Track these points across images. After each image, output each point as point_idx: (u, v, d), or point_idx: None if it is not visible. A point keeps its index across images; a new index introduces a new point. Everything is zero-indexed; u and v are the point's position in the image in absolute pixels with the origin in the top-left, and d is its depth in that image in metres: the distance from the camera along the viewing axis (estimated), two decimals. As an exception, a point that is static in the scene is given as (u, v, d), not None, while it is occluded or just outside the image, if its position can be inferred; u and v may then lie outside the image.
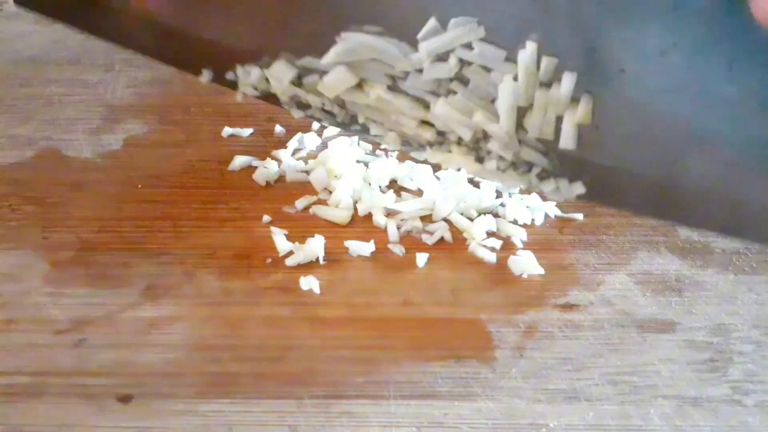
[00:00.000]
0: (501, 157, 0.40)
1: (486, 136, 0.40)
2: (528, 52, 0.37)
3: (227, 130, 0.53)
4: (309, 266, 0.44)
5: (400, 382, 0.39)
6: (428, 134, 0.41)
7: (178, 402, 0.38)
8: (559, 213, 0.47)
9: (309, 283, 0.43)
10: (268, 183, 0.49)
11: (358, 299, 0.43)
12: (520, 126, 0.39)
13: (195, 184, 0.49)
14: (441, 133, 0.41)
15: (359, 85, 0.41)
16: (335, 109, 0.42)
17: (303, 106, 0.43)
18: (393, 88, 0.40)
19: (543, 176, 0.40)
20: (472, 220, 0.46)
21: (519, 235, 0.46)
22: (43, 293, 0.43)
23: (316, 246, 0.44)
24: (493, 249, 0.45)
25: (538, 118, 0.38)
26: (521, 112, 0.38)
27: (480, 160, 0.41)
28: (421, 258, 0.44)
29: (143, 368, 0.39)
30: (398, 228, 0.46)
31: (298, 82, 0.42)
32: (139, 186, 0.49)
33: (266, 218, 0.47)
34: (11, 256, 0.45)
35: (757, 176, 0.36)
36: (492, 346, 0.40)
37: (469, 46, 0.38)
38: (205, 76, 0.44)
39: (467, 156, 0.41)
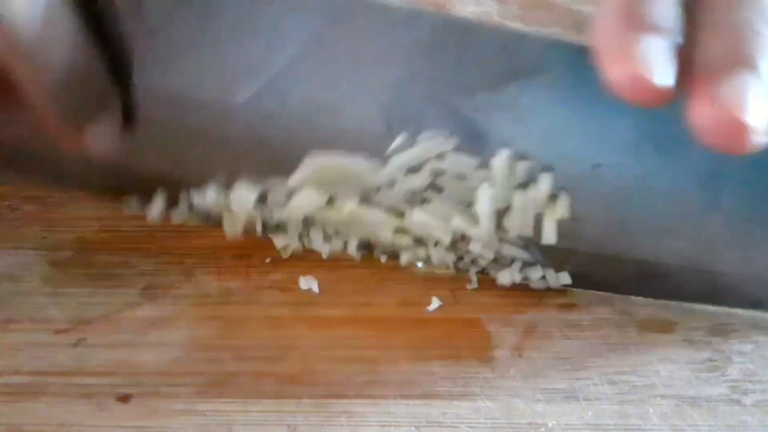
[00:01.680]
0: (481, 256, 0.41)
1: (465, 238, 0.40)
2: (502, 158, 0.38)
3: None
4: (308, 266, 0.44)
5: (399, 382, 0.39)
6: (405, 240, 0.41)
7: (178, 401, 0.38)
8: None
9: (308, 282, 0.43)
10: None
11: (357, 299, 0.43)
12: (499, 226, 0.39)
13: (194, 184, 0.49)
14: (418, 239, 0.41)
15: (329, 202, 0.41)
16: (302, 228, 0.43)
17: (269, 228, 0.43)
18: (365, 200, 0.41)
19: (527, 266, 0.41)
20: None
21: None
22: (43, 293, 0.43)
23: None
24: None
25: (518, 219, 0.38)
26: (500, 213, 0.39)
27: (460, 259, 0.41)
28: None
29: (142, 368, 0.39)
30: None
31: (261, 203, 0.42)
32: (139, 186, 0.49)
33: (265, 218, 0.47)
34: (10, 255, 0.45)
35: (731, 249, 0.39)
36: (491, 346, 0.40)
37: (441, 157, 0.39)
38: (156, 207, 0.44)
39: (447, 256, 0.42)
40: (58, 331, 0.41)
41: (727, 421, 0.37)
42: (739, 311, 0.42)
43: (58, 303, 0.42)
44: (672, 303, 0.42)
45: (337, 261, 0.45)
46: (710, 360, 0.40)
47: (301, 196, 0.41)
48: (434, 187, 0.39)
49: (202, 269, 0.44)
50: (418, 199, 0.40)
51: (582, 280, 0.42)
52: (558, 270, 0.41)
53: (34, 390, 0.38)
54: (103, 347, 0.40)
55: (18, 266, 0.44)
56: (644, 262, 0.40)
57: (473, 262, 0.42)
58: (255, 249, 0.45)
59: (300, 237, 0.43)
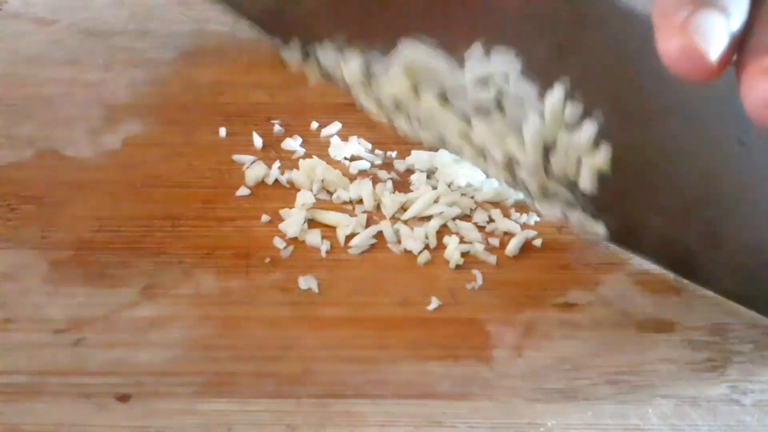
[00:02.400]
0: (529, 183, 0.41)
1: (517, 164, 0.40)
2: (555, 95, 0.38)
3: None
4: (308, 266, 0.44)
5: (398, 382, 0.39)
6: (467, 149, 0.42)
7: (177, 401, 0.38)
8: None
9: (308, 282, 0.43)
10: (263, 182, 0.49)
11: (357, 299, 0.43)
12: (547, 160, 0.39)
13: (194, 184, 0.49)
14: (480, 152, 0.42)
15: (413, 91, 0.43)
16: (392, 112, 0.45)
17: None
18: (443, 98, 0.42)
19: (570, 206, 0.41)
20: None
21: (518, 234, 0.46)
22: (42, 292, 0.43)
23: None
24: (492, 250, 0.45)
25: (560, 159, 0.39)
26: (547, 148, 0.39)
27: (514, 180, 0.41)
28: (421, 258, 0.45)
29: (142, 367, 0.39)
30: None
31: (366, 72, 0.44)
32: (138, 185, 0.49)
33: (265, 218, 0.47)
34: (10, 255, 0.45)
35: None
36: (490, 346, 0.40)
37: (506, 77, 0.39)
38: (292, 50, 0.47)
39: (501, 173, 0.42)
40: (57, 331, 0.41)
41: (727, 421, 0.37)
42: (740, 309, 0.42)
43: (58, 303, 0.42)
44: (673, 301, 0.42)
45: (337, 261, 0.45)
46: (710, 360, 0.40)
47: (391, 77, 0.42)
48: (499, 105, 0.40)
49: (201, 269, 0.44)
50: (484, 111, 0.40)
51: (616, 236, 0.41)
52: (598, 218, 0.41)
53: (33, 390, 0.38)
54: (103, 347, 0.40)
55: (18, 266, 0.44)
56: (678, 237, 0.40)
57: (523, 186, 0.42)
58: (255, 249, 0.45)
59: (388, 118, 0.45)
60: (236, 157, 0.50)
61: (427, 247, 0.45)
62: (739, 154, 0.38)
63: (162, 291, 0.43)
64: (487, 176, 0.45)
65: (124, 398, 0.38)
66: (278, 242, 0.45)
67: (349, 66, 0.44)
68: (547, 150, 0.39)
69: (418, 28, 0.42)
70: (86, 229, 0.46)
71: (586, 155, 0.38)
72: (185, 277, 0.43)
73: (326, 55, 0.45)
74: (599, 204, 0.40)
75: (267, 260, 0.44)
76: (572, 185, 0.40)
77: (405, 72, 0.42)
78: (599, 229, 0.41)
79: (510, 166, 0.41)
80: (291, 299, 0.42)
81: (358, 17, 0.44)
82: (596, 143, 0.38)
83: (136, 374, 0.39)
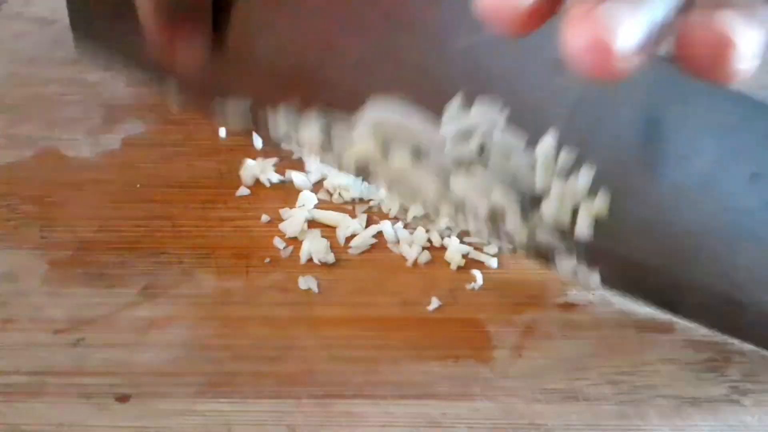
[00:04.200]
0: (516, 234, 0.40)
1: (502, 216, 0.40)
2: (546, 143, 0.37)
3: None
4: (308, 266, 0.44)
5: (398, 382, 0.39)
6: (446, 207, 0.41)
7: (177, 401, 0.38)
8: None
9: (307, 282, 0.43)
10: (263, 182, 0.49)
11: (356, 299, 0.43)
12: (536, 209, 0.39)
13: (194, 184, 0.49)
14: (459, 208, 0.41)
15: (383, 154, 0.40)
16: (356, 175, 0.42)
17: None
18: (417, 158, 0.40)
19: (561, 255, 0.40)
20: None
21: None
22: (42, 293, 0.43)
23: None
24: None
25: (554, 207, 0.38)
26: (538, 198, 0.39)
27: (497, 237, 0.41)
28: (421, 258, 0.44)
29: (141, 368, 0.39)
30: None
31: (326, 133, 0.41)
32: (138, 186, 0.49)
33: (265, 218, 0.47)
34: (9, 255, 0.45)
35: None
36: (490, 346, 0.40)
37: (490, 129, 0.38)
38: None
39: (483, 227, 0.41)
40: (57, 331, 0.41)
41: (728, 421, 0.37)
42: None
43: (58, 303, 0.42)
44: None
45: (337, 261, 0.45)
46: (710, 360, 0.40)
47: (358, 143, 0.40)
48: (481, 158, 0.39)
49: (201, 269, 0.44)
50: (465, 166, 0.39)
51: (612, 282, 0.40)
52: (591, 267, 0.41)
53: (33, 390, 0.38)
54: (102, 347, 0.40)
55: (18, 266, 0.44)
56: (676, 279, 0.39)
57: (508, 239, 0.41)
58: (255, 249, 0.45)
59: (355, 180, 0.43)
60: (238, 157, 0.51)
61: (427, 247, 0.45)
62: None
63: (162, 291, 0.43)
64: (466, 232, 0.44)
65: (123, 398, 0.38)
66: (278, 242, 0.45)
67: (306, 131, 0.40)
68: (537, 199, 0.39)
69: (388, 86, 0.39)
70: (86, 229, 0.46)
71: (583, 202, 0.38)
72: (185, 277, 0.43)
73: (279, 119, 0.41)
74: (593, 250, 0.39)
75: (267, 260, 0.44)
76: (564, 234, 0.40)
77: (373, 132, 0.39)
78: (594, 279, 0.40)
79: (494, 218, 0.40)
80: (291, 299, 0.42)
81: (317, 78, 0.40)
82: (593, 189, 0.37)
83: (136, 374, 0.39)
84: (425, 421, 0.37)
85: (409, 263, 0.44)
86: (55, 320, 0.41)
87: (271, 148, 0.44)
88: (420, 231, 0.46)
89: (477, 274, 0.44)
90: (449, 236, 0.46)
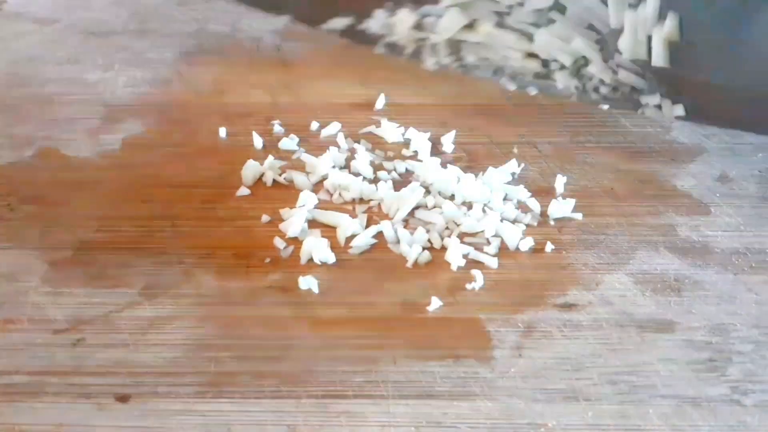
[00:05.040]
0: (602, 81, 0.41)
1: (586, 62, 0.40)
2: None
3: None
4: (308, 266, 0.44)
5: (398, 382, 0.39)
6: (533, 65, 0.42)
7: (177, 401, 0.38)
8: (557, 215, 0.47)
9: (308, 282, 0.43)
10: (263, 182, 0.49)
11: (356, 299, 0.43)
12: (615, 49, 0.39)
13: (194, 184, 0.49)
14: (545, 64, 0.42)
15: (470, 25, 0.44)
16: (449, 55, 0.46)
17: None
18: (500, 24, 0.43)
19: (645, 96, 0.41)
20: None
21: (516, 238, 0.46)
22: (42, 293, 0.43)
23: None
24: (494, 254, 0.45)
25: (629, 39, 0.38)
26: (616, 35, 0.39)
27: (583, 86, 0.41)
28: (421, 258, 0.44)
29: (141, 368, 0.39)
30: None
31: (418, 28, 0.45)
32: (138, 186, 0.49)
33: (265, 218, 0.47)
34: (10, 255, 0.45)
35: None
36: (491, 346, 0.40)
37: None
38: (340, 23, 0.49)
39: (571, 81, 0.42)
40: (57, 331, 0.41)
41: (728, 421, 0.37)
42: (741, 309, 0.42)
43: (58, 303, 0.42)
44: (673, 301, 0.42)
45: (337, 261, 0.45)
46: (710, 360, 0.40)
47: (448, 17, 0.44)
48: (558, 7, 0.40)
49: (201, 269, 0.44)
50: (543, 19, 0.40)
51: (696, 111, 0.41)
52: (674, 99, 0.41)
53: (33, 390, 0.38)
54: (103, 347, 0.40)
55: (17, 266, 0.44)
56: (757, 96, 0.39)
57: (595, 90, 0.42)
58: (255, 249, 0.45)
59: (447, 55, 0.46)
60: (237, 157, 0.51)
61: (427, 247, 0.45)
62: None
63: (162, 291, 0.43)
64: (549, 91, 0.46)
65: (124, 398, 0.38)
66: (278, 242, 0.45)
67: (401, 23, 0.45)
68: (615, 37, 0.39)
69: None
70: (86, 229, 0.46)
71: (655, 28, 0.38)
72: (185, 277, 0.43)
73: (375, 19, 0.47)
74: (674, 80, 0.40)
75: (267, 260, 0.44)
76: (644, 69, 0.39)
77: (462, 9, 0.43)
78: (678, 110, 0.41)
79: (578, 68, 0.41)
80: (291, 299, 0.42)
81: None
82: (662, 14, 0.38)
83: (136, 374, 0.39)
84: (425, 421, 0.37)
85: (409, 263, 0.44)
86: (56, 320, 0.41)
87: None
88: (420, 231, 0.46)
89: (477, 274, 0.44)
90: (449, 236, 0.46)
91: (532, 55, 0.43)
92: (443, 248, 0.45)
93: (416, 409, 0.37)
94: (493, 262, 0.44)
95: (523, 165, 0.50)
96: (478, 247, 0.45)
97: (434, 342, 0.40)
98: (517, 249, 0.45)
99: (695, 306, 0.42)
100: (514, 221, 0.47)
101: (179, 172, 0.50)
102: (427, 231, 0.46)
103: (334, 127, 0.53)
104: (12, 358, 0.39)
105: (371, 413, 0.37)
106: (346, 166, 0.50)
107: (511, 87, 0.47)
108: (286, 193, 0.49)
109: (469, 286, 0.43)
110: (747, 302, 0.43)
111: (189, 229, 0.46)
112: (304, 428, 0.37)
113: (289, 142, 0.52)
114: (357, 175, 0.50)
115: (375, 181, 0.49)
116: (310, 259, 0.44)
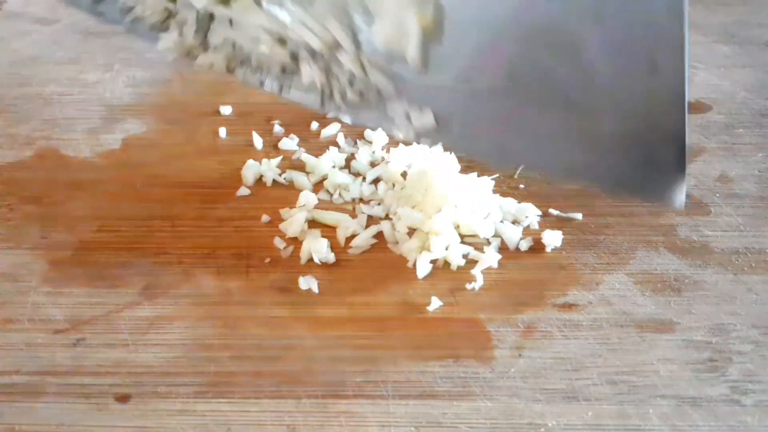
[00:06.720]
0: (350, 82, 0.39)
1: (336, 60, 0.39)
2: None
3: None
4: (308, 266, 0.44)
5: (398, 382, 0.39)
6: (282, 53, 0.40)
7: (176, 401, 0.38)
8: (559, 213, 0.47)
9: (308, 282, 0.43)
10: (263, 182, 0.49)
11: (356, 299, 0.43)
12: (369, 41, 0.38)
13: (194, 184, 0.49)
14: (294, 58, 0.40)
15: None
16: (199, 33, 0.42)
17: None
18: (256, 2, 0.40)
19: (391, 102, 0.39)
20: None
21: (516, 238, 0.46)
22: (42, 293, 0.43)
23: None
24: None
25: (386, 26, 0.37)
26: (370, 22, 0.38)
27: (330, 89, 0.40)
28: (421, 258, 0.44)
29: (141, 368, 0.39)
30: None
31: None
32: (138, 186, 0.49)
33: (265, 218, 0.47)
34: (10, 255, 0.45)
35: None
36: (491, 346, 0.40)
37: None
38: None
39: (318, 76, 0.40)
40: (57, 331, 0.41)
41: (727, 421, 0.37)
42: (741, 309, 0.42)
43: (58, 303, 0.42)
44: (673, 301, 0.42)
45: (337, 261, 0.45)
46: (710, 360, 0.40)
47: None
48: None
49: (201, 269, 0.44)
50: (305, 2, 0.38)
51: (444, 125, 0.39)
52: (423, 107, 0.39)
53: (33, 390, 0.38)
54: (102, 347, 0.40)
55: (17, 266, 0.44)
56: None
57: (340, 93, 0.40)
58: (255, 249, 0.45)
59: (196, 37, 0.43)
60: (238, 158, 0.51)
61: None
62: None
63: (162, 291, 0.43)
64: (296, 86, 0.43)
65: (123, 398, 0.38)
66: (278, 242, 0.45)
67: None
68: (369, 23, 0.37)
69: None
70: (86, 229, 0.46)
71: (413, 11, 0.36)
72: (185, 277, 0.43)
73: None
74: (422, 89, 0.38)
75: (267, 260, 0.44)
76: (391, 75, 0.38)
77: None
78: (427, 118, 0.39)
79: (330, 56, 0.39)
80: (291, 299, 0.42)
81: None
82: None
83: (136, 374, 0.39)
84: (425, 421, 0.37)
85: (410, 263, 0.44)
86: (55, 320, 0.41)
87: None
88: (420, 231, 0.46)
89: (477, 274, 0.44)
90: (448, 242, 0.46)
91: (281, 42, 0.40)
92: (443, 248, 0.45)
93: (416, 409, 0.37)
94: (493, 262, 0.44)
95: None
96: (478, 247, 0.45)
97: (434, 342, 0.40)
98: (517, 249, 0.45)
99: (695, 306, 0.42)
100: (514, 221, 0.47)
101: (179, 172, 0.50)
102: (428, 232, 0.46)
103: (334, 127, 0.53)
104: (12, 357, 0.39)
105: (371, 413, 0.37)
106: (346, 166, 0.51)
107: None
108: (286, 193, 0.49)
109: (469, 286, 0.43)
110: (747, 302, 0.43)
111: (189, 229, 0.46)
112: (303, 428, 0.37)
113: (289, 142, 0.52)
114: (357, 175, 0.50)
115: (375, 181, 0.49)
116: (310, 259, 0.44)
